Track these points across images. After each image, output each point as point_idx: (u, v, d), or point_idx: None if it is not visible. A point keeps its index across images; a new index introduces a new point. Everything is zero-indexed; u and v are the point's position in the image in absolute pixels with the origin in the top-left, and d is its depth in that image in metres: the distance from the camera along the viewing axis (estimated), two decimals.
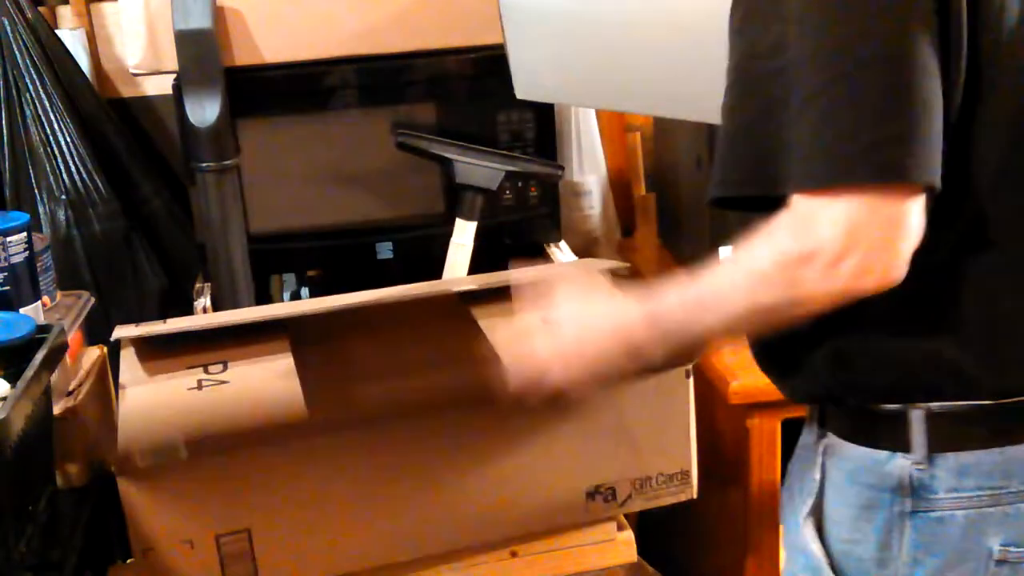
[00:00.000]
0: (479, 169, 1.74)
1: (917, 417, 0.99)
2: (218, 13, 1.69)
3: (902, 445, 1.00)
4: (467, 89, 1.84)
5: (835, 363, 1.02)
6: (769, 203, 0.93)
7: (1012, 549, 1.00)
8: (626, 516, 1.46)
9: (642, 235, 2.29)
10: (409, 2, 1.76)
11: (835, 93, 0.89)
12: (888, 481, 1.01)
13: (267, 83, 1.77)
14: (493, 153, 1.80)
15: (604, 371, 1.05)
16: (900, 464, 1.01)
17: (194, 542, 1.26)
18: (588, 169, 2.13)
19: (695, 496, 1.44)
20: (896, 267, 0.89)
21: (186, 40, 1.65)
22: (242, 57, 1.73)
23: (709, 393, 1.57)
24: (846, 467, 1.05)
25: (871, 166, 0.87)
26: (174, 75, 1.72)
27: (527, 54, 1.52)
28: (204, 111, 1.66)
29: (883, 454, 1.01)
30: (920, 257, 0.91)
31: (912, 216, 0.89)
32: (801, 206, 0.90)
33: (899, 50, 0.88)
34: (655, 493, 1.43)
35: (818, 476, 1.07)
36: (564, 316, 1.08)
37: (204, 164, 1.69)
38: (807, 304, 0.92)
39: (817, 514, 1.07)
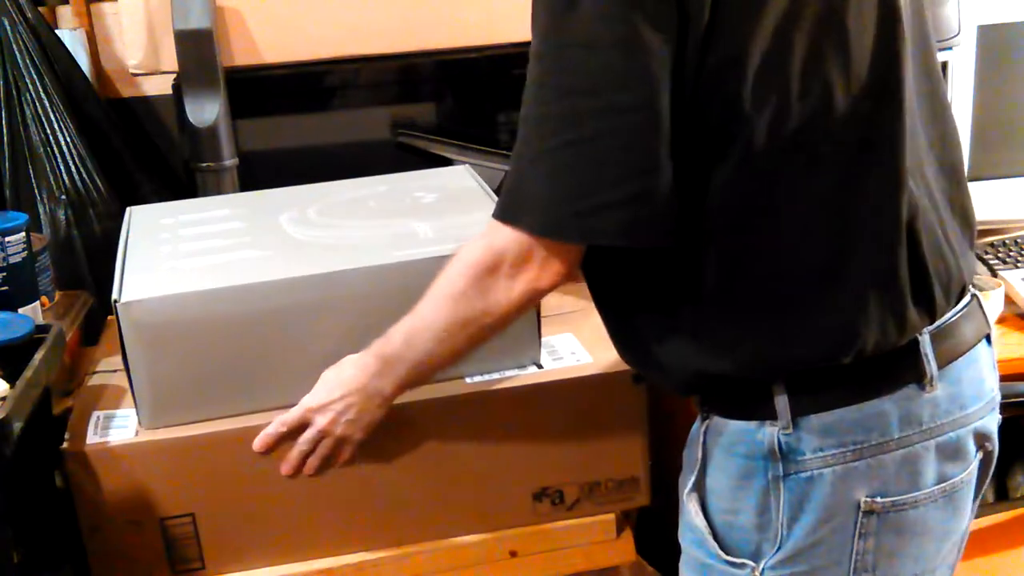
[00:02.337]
0: (479, 169, 1.74)
1: (778, 386, 1.04)
2: (218, 13, 1.69)
3: (769, 413, 1.05)
4: (467, 89, 1.84)
5: (697, 344, 1.06)
6: None
7: (878, 499, 1.05)
8: (626, 515, 1.46)
9: None
10: (409, 2, 1.77)
11: (527, 144, 0.98)
12: (760, 449, 1.06)
13: (267, 83, 1.77)
14: (493, 153, 1.80)
15: (359, 411, 1.19)
16: (769, 432, 1.05)
17: (140, 523, 1.30)
18: None
19: (647, 503, 1.44)
20: (560, 280, 1.03)
21: (186, 40, 1.65)
22: (242, 57, 1.73)
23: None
24: (724, 442, 1.09)
25: (532, 218, 1.00)
26: (174, 75, 1.72)
27: (161, 375, 1.29)
28: (204, 111, 1.66)
29: (753, 424, 1.06)
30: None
31: (572, 258, 1.03)
32: (491, 225, 1.04)
33: (604, 122, 0.94)
34: (605, 498, 1.43)
35: (700, 454, 1.11)
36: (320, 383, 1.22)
37: (204, 164, 1.70)
38: (496, 311, 1.05)
39: (699, 490, 1.12)
